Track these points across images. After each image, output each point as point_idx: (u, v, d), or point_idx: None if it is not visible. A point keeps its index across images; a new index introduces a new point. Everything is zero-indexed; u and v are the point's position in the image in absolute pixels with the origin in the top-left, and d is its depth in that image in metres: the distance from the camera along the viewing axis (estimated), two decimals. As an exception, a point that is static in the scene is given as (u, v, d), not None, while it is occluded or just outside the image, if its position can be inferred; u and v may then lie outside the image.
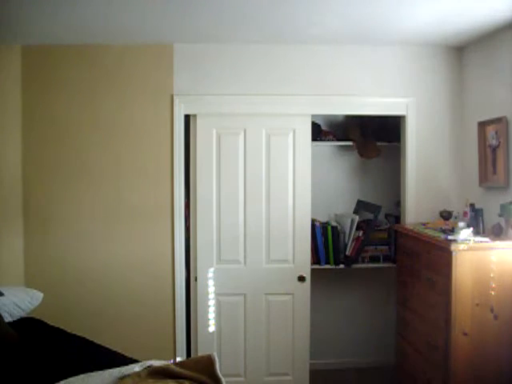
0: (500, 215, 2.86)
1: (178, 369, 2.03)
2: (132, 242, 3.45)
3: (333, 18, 2.97)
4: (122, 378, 2.01)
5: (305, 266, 3.51)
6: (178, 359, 3.43)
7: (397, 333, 3.52)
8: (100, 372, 2.11)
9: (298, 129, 3.47)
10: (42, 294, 3.07)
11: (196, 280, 3.50)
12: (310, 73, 3.45)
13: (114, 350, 2.56)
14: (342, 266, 3.69)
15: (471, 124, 3.35)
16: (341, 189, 4.02)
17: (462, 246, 2.69)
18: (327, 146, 3.97)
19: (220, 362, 2.10)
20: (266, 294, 3.51)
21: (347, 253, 3.66)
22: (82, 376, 2.07)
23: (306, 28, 3.16)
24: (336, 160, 4.03)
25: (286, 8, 2.80)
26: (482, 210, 3.05)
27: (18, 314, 2.93)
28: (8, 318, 2.86)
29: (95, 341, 2.66)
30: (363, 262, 3.73)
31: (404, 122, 3.51)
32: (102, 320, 3.44)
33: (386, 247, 3.74)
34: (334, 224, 3.71)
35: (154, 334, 3.46)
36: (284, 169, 3.48)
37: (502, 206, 2.83)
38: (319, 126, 3.80)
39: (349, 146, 3.86)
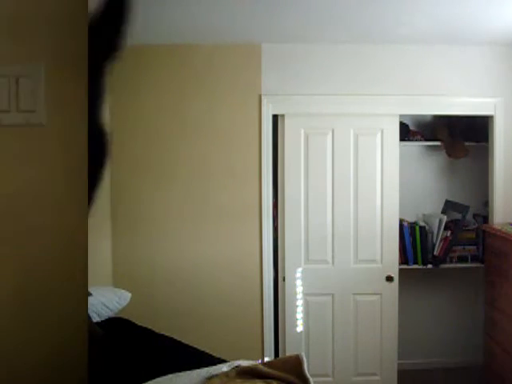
0: None
1: (265, 369, 2.21)
2: (220, 241, 3.89)
3: (421, 18, 3.37)
4: (210, 377, 2.21)
5: (393, 266, 3.97)
6: (266, 359, 3.86)
7: (485, 333, 3.96)
8: (188, 372, 2.32)
9: (386, 129, 3.93)
10: (129, 294, 3.48)
11: (284, 280, 3.97)
12: (398, 73, 3.89)
13: (202, 349, 2.86)
14: (429, 266, 4.15)
15: (560, 124, 3.79)
16: (429, 189, 4.48)
17: (551, 246, 3.12)
18: (415, 146, 4.43)
19: (308, 362, 2.25)
20: (354, 294, 3.98)
21: (435, 253, 4.13)
22: (170, 376, 2.28)
23: (395, 28, 3.57)
24: (424, 160, 4.50)
25: (374, 8, 3.20)
26: None
27: (106, 313, 3.26)
28: (96, 318, 3.17)
29: (183, 341, 2.99)
30: (451, 262, 4.19)
31: (492, 121, 3.95)
32: (190, 320, 3.87)
33: (474, 247, 4.20)
34: (421, 224, 4.18)
35: (241, 334, 3.90)
36: (372, 169, 3.93)
37: None
38: (407, 125, 4.27)
39: (437, 145, 4.32)
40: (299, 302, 3.98)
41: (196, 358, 2.70)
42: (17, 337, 1.19)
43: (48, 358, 1.19)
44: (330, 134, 3.94)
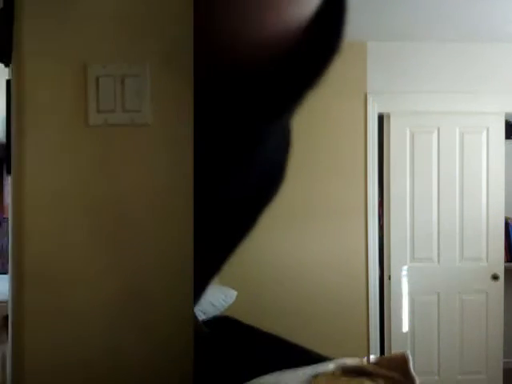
0: None
1: (371, 367, 2.25)
2: (327, 240, 4.01)
3: (530, 16, 3.56)
4: (316, 375, 2.23)
5: (498, 264, 4.11)
6: (372, 357, 4.02)
7: None
8: (294, 370, 2.34)
9: (491, 127, 4.07)
10: (235, 292, 3.60)
11: (389, 278, 4.12)
12: (506, 71, 4.01)
13: (309, 348, 2.89)
14: (534, 264, 4.32)
15: None
16: (534, 187, 4.64)
17: None
18: (520, 145, 4.59)
19: (414, 360, 2.28)
20: (460, 292, 4.12)
21: (540, 251, 4.30)
22: (275, 374, 2.32)
23: (503, 26, 3.71)
24: (529, 158, 4.65)
25: (482, 6, 3.36)
26: None
27: (213, 312, 3.37)
28: (202, 316, 3.29)
29: (290, 339, 3.01)
30: (555, 260, 4.36)
31: None
32: (297, 318, 3.96)
33: None
34: (526, 222, 4.35)
35: (347, 333, 4.00)
36: (477, 167, 4.07)
37: None
38: (513, 124, 4.44)
39: (542, 144, 4.48)
40: (405, 301, 4.13)
41: (302, 357, 2.72)
42: (124, 335, 1.24)
43: (154, 357, 1.24)
44: (436, 132, 4.08)
